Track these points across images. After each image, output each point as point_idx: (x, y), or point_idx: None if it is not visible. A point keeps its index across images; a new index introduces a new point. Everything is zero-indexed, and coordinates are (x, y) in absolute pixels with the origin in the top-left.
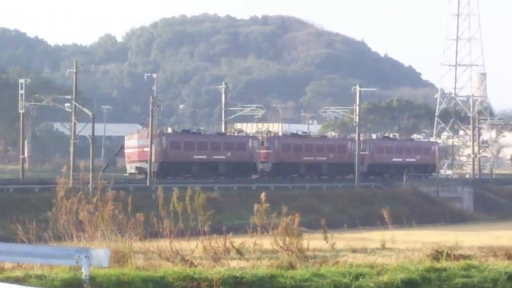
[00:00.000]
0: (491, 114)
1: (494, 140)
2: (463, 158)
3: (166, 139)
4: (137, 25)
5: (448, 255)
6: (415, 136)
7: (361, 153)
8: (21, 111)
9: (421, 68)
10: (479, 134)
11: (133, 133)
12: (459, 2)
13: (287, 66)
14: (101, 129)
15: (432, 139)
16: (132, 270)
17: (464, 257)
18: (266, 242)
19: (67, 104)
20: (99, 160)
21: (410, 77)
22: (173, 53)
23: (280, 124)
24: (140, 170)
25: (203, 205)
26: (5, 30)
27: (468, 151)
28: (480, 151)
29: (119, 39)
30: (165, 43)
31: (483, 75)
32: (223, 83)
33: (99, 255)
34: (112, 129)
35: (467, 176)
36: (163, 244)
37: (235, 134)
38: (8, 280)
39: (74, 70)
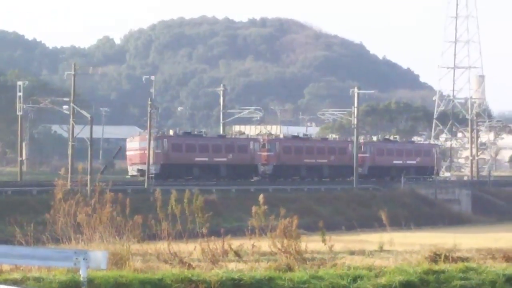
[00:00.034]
0: (489, 116)
1: (492, 142)
2: (461, 160)
3: (168, 142)
4: (135, 28)
5: (446, 257)
6: (415, 138)
7: (362, 155)
8: (19, 113)
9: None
10: (477, 136)
11: (135, 136)
12: (457, 4)
13: (285, 68)
14: (99, 131)
15: (432, 142)
16: (130, 272)
17: (462, 259)
18: (264, 244)
19: (65, 106)
20: (97, 162)
21: (408, 79)
22: (172, 56)
23: (278, 126)
24: (142, 172)
25: (201, 207)
26: (4, 32)
27: (466, 153)
28: (478, 153)
29: (118, 41)
30: (164, 45)
31: (481, 77)
32: (221, 85)
33: (97, 257)
34: (110, 131)
35: (465, 178)
36: (161, 246)
37: (237, 136)
38: (6, 282)
39: (72, 72)
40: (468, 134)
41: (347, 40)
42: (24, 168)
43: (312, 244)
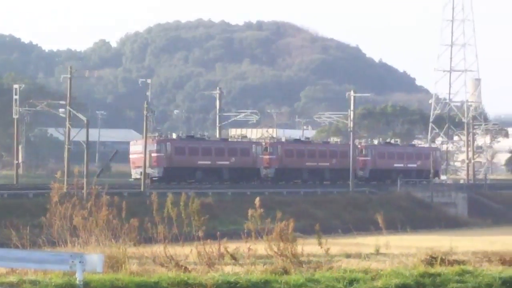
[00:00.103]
0: (486, 119)
1: (488, 146)
2: (458, 164)
3: (171, 145)
4: (131, 31)
5: (442, 260)
6: (416, 142)
7: (363, 158)
8: (15, 116)
9: (415, 74)
10: (474, 140)
11: (138, 139)
12: (453, 8)
13: (281, 72)
14: (95, 134)
15: (431, 145)
16: (126, 276)
17: (459, 262)
18: (261, 248)
19: (61, 110)
20: (94, 165)
21: (405, 82)
22: (168, 59)
23: (274, 129)
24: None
25: (197, 210)
26: (0, 35)
27: (463, 156)
28: (475, 156)
29: (114, 44)
30: (160, 48)
31: (478, 80)
32: (217, 88)
33: (93, 261)
34: (107, 135)
35: (462, 181)
36: (157, 249)
37: (239, 139)
38: (2, 285)
39: (69, 76)
40: (464, 137)
41: (343, 43)
42: (20, 171)
43: (308, 247)
